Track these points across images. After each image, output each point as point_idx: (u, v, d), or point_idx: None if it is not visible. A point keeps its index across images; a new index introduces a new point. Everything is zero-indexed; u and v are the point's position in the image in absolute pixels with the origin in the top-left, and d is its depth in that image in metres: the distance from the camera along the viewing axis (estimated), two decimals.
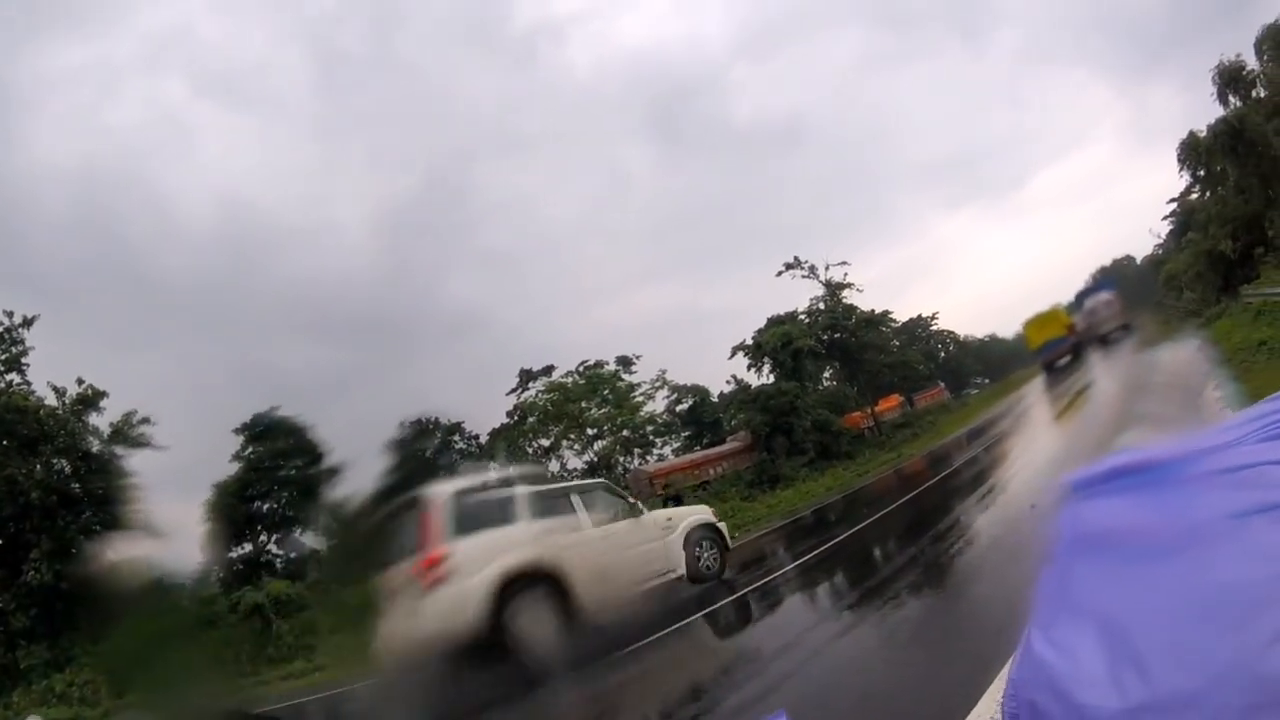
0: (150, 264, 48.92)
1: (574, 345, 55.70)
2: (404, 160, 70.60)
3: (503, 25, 78.03)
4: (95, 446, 26.60)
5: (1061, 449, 16.53)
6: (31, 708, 20.18)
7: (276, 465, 29.89)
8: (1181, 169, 36.00)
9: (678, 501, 23.49)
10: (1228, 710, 0.75)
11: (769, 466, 35.20)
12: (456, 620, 10.10)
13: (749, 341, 43.10)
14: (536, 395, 39.06)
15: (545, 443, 38.45)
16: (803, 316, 44.80)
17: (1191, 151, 34.69)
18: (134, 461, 27.18)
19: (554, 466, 38.57)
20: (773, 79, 78.98)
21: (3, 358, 26.35)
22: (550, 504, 12.32)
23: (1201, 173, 35.41)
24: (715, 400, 42.98)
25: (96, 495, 25.67)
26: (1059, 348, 37.24)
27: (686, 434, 41.76)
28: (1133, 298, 38.27)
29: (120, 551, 25.08)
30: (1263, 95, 31.60)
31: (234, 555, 29.53)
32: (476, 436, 38.63)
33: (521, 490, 12.08)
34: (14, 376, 26.40)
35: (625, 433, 38.60)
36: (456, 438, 38.19)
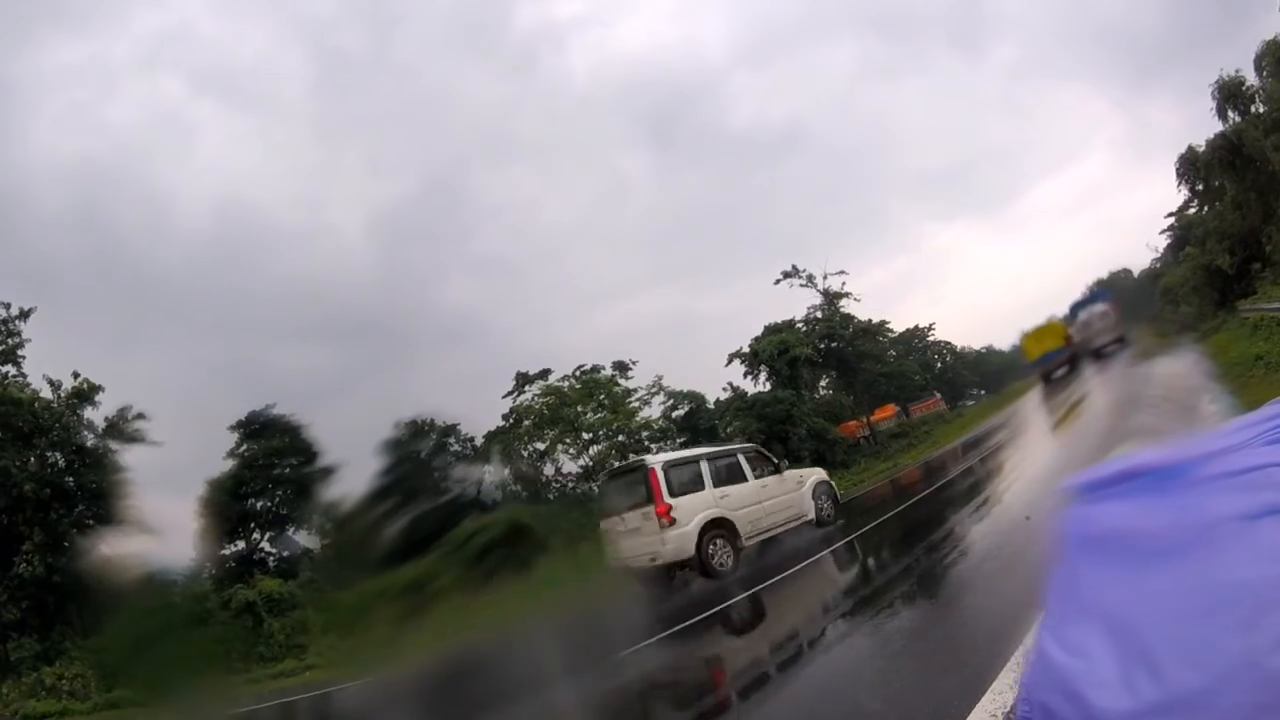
0: (146, 261, 48.95)
1: (571, 350, 55.90)
2: (402, 164, 70.75)
3: (502, 30, 78.31)
4: (90, 441, 26.57)
5: (1056, 462, 16.54)
6: (20, 700, 20.16)
7: (271, 463, 29.84)
8: (1180, 183, 36.11)
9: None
10: (1238, 709, 0.75)
11: None
12: (680, 550, 15.80)
13: (746, 349, 43.17)
14: (533, 399, 39.03)
15: (540, 446, 38.40)
16: (800, 325, 44.90)
17: (1190, 166, 34.77)
18: (128, 457, 27.19)
19: (548, 470, 38.63)
20: (771, 87, 79.30)
21: (0, 349, 26.34)
22: (723, 468, 17.62)
23: (1200, 187, 35.51)
24: (711, 407, 42.94)
25: (90, 489, 25.64)
26: (1056, 359, 37.29)
27: (682, 440, 41.69)
28: (1130, 311, 38.29)
29: (113, 547, 25.07)
30: (1262, 111, 31.64)
31: (227, 552, 29.48)
32: (472, 439, 38.55)
33: (705, 464, 17.28)
34: (9, 369, 26.40)
35: (621, 438, 38.55)
36: (452, 439, 38.12)
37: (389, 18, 74.70)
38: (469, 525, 25.91)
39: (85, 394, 26.60)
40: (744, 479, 17.62)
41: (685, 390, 42.41)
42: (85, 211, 51.35)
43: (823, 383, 46.54)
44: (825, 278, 46.25)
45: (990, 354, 55.98)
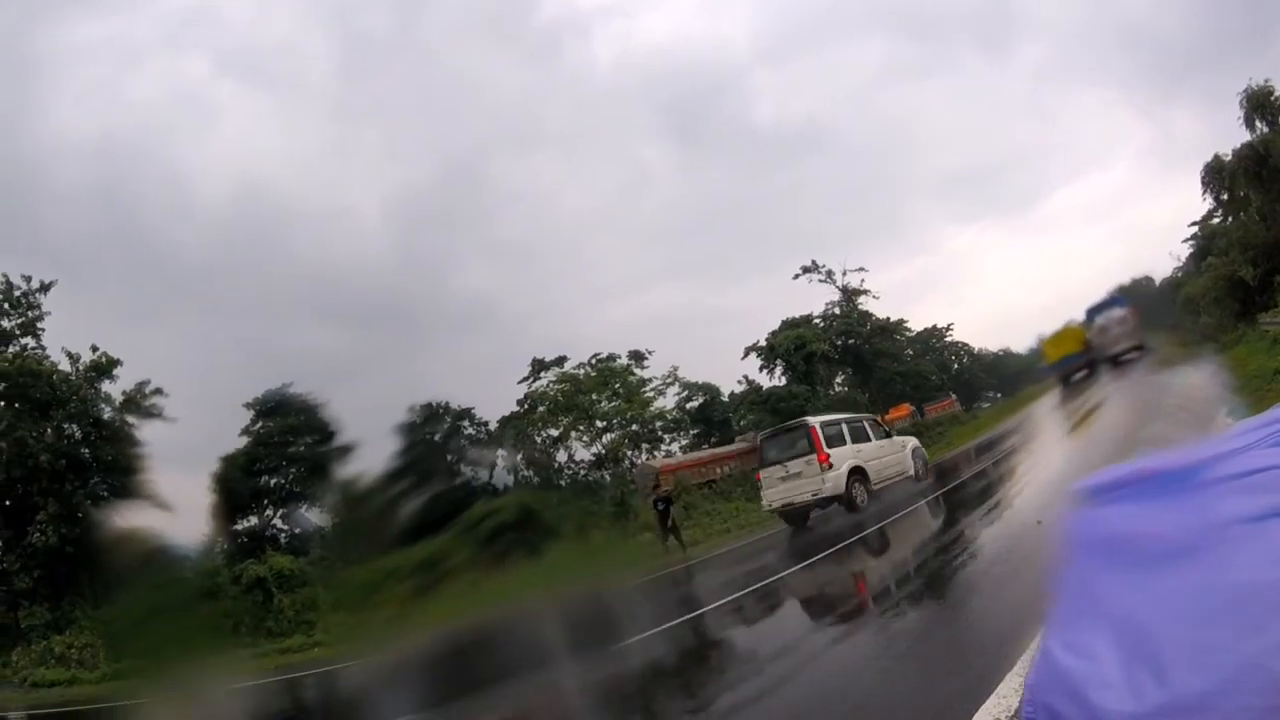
0: (165, 239, 49.12)
1: (586, 339, 55.92)
2: (422, 148, 70.55)
3: (527, 17, 78.07)
4: (107, 414, 26.77)
5: (1069, 467, 16.45)
6: (30, 667, 20.34)
7: (286, 441, 29.93)
8: (1205, 192, 35.69)
9: (668, 503, 24.30)
10: (1245, 712, 0.75)
11: None
12: (835, 487, 20.08)
13: (762, 343, 43.12)
14: (548, 385, 39.08)
15: (554, 433, 38.47)
16: (818, 321, 44.80)
17: (1216, 175, 34.39)
18: (144, 432, 27.39)
19: (561, 457, 38.70)
20: (794, 83, 78.82)
21: (19, 322, 26.54)
22: (857, 429, 21.93)
23: (1224, 197, 35.09)
24: (725, 399, 42.93)
25: (106, 462, 25.83)
26: (1075, 363, 36.98)
27: (695, 431, 41.71)
28: (1150, 319, 37.86)
29: (126, 520, 25.25)
30: None
31: (239, 528, 29.62)
32: (486, 423, 38.67)
33: (845, 425, 21.70)
34: (29, 341, 26.63)
35: (634, 427, 38.58)
36: (466, 423, 38.24)
37: (413, 1, 74.62)
38: (481, 508, 26.10)
39: (104, 368, 26.79)
40: (869, 439, 21.94)
41: (700, 382, 42.40)
42: (106, 188, 51.60)
43: (838, 379, 46.44)
44: (844, 274, 46.19)
45: (1007, 357, 55.63)
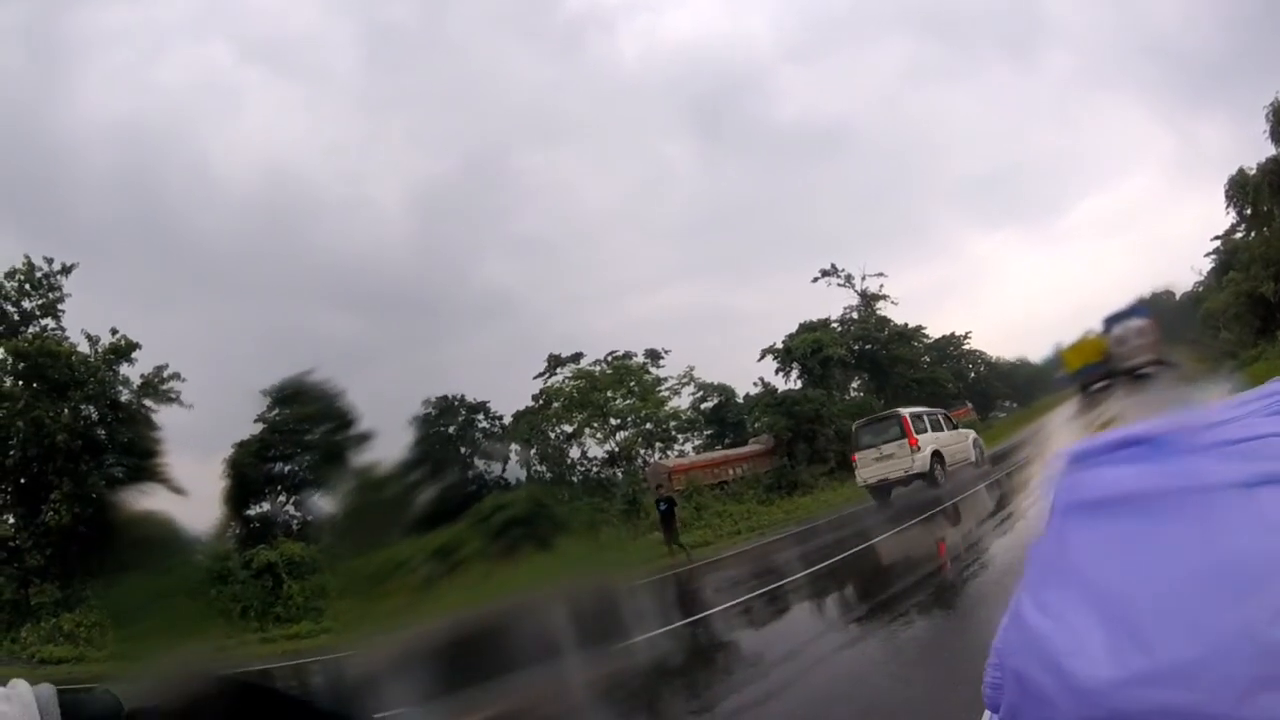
0: (187, 224, 49.21)
1: (603, 335, 55.63)
2: (445, 140, 70.47)
3: (552, 11, 77.93)
4: (124, 397, 26.92)
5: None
6: (38, 644, 20.48)
7: (302, 429, 29.99)
8: (1228, 206, 35.44)
9: (670, 503, 24.50)
10: (1232, 682, 0.72)
11: (789, 472, 34.96)
12: (922, 466, 24.70)
13: (779, 345, 42.95)
14: (563, 381, 39.07)
15: (568, 429, 38.46)
16: (835, 325, 44.63)
17: (1239, 189, 34.12)
18: (161, 416, 27.56)
19: (574, 453, 38.70)
20: (819, 83, 78.06)
21: (40, 303, 26.72)
22: (934, 421, 27.12)
23: (1248, 211, 34.82)
24: (740, 401, 42.75)
25: (122, 444, 25.98)
26: (1094, 373, 36.68)
27: (709, 432, 41.56)
28: (1170, 332, 37.43)
29: (140, 502, 25.41)
30: None
31: (251, 514, 29.74)
32: (500, 417, 38.74)
33: (926, 417, 26.74)
34: (49, 322, 26.80)
35: (648, 426, 38.51)
36: (480, 417, 38.32)
37: None
38: (493, 500, 26.18)
39: (122, 351, 26.94)
40: (943, 429, 27.24)
41: (715, 383, 42.26)
42: (129, 173, 51.54)
43: (854, 384, 46.21)
44: (863, 279, 45.97)
45: (1023, 366, 55.18)
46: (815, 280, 45.65)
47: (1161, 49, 67.02)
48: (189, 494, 27.13)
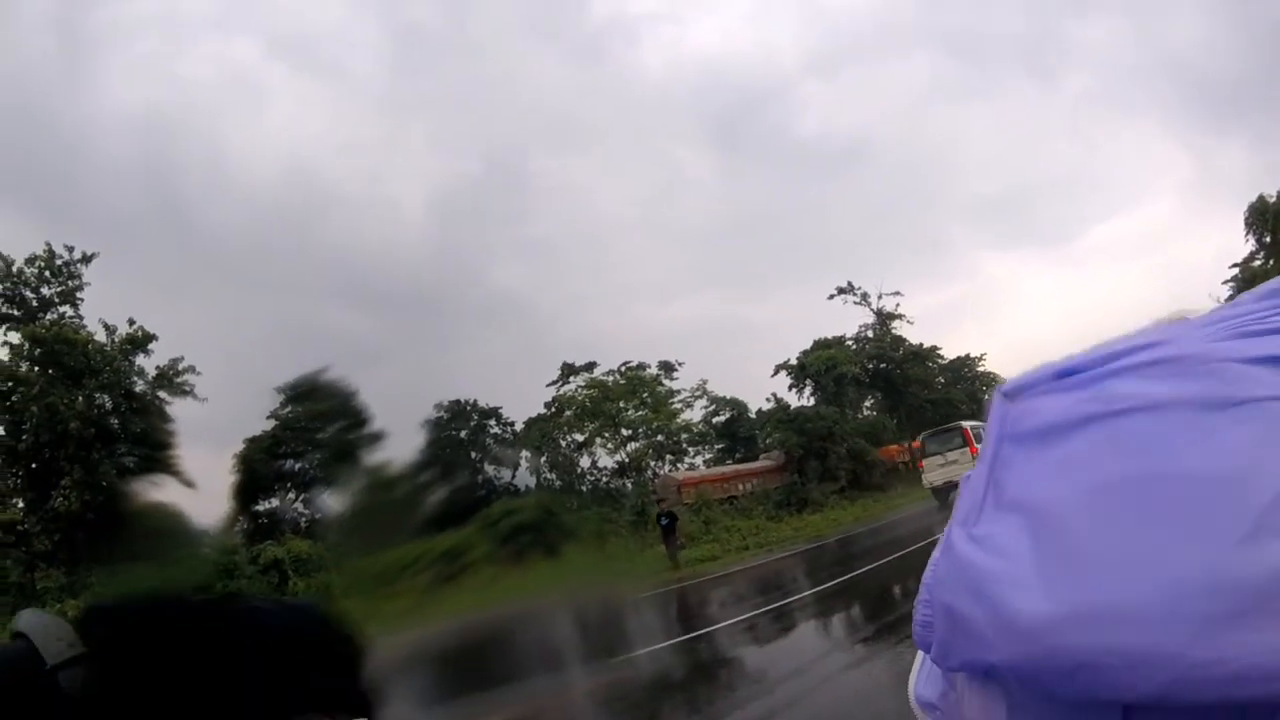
0: (204, 217, 49.49)
1: (615, 345, 55.63)
2: (463, 143, 70.86)
3: (577, 17, 78.13)
4: (139, 387, 26.97)
5: None
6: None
7: (314, 426, 29.99)
8: (1248, 233, 35.34)
9: (672, 519, 24.64)
10: (1183, 620, 0.63)
11: (799, 489, 34.74)
12: None
13: (793, 361, 42.88)
14: (576, 390, 39.02)
15: (579, 438, 38.39)
16: (850, 343, 44.55)
17: (1259, 216, 34.02)
18: (174, 409, 27.64)
19: (585, 462, 38.64)
20: (840, 98, 78.04)
21: (59, 290, 26.82)
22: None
23: (1267, 239, 34.70)
24: (753, 416, 42.67)
25: (134, 434, 26.03)
26: None
27: (720, 446, 41.46)
28: None
29: (150, 493, 25.46)
30: None
31: (259, 510, 29.72)
32: (512, 423, 38.73)
33: (984, 430, 27.73)
34: (67, 309, 26.88)
35: (660, 438, 38.39)
36: (492, 422, 38.31)
37: None
38: (502, 506, 26.22)
39: (139, 341, 27.02)
40: None
41: (728, 397, 42.17)
42: (149, 163, 52.04)
43: (867, 403, 46.14)
44: (880, 298, 45.95)
45: None
46: (831, 298, 45.76)
47: (1181, 73, 66.84)
48: (199, 487, 27.20)
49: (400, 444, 33.25)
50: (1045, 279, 71.69)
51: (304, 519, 29.98)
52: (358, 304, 53.30)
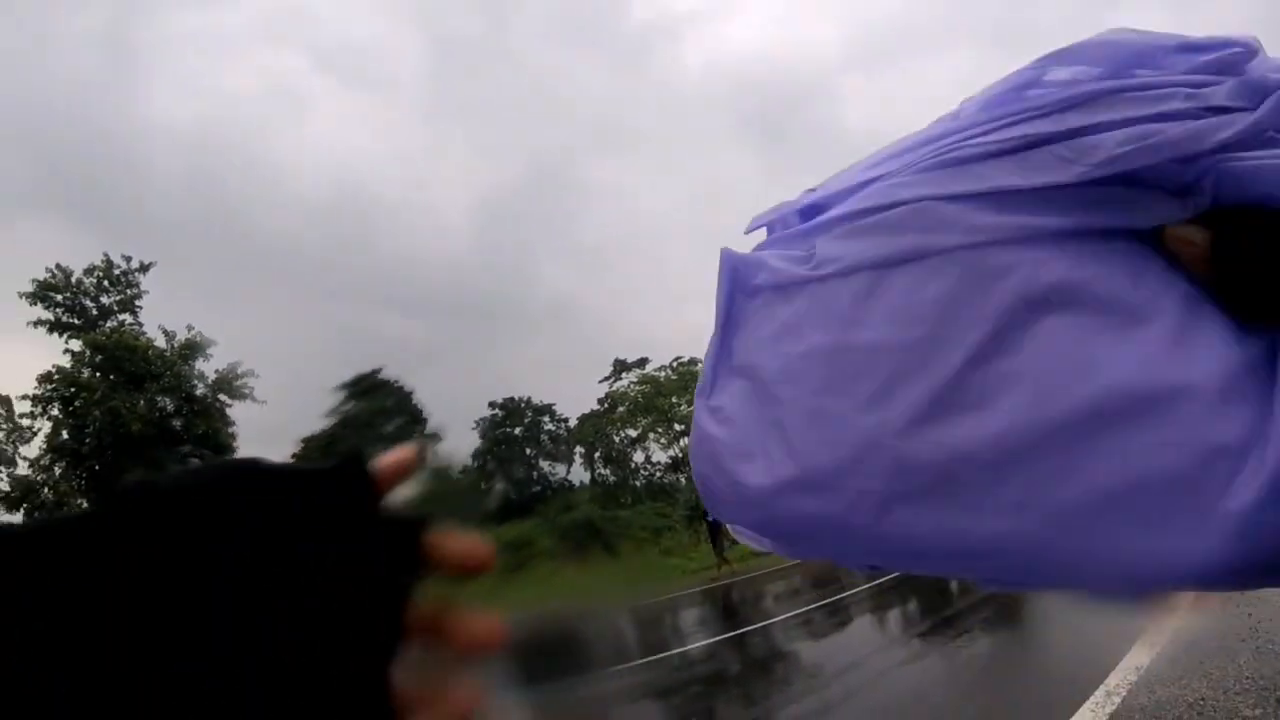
0: (256, 226, 50.29)
1: (664, 343, 55.84)
2: (508, 149, 71.39)
3: (618, 21, 78.40)
4: (199, 390, 27.39)
5: None
6: None
7: (373, 423, 30.27)
8: None
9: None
10: (866, 495, 0.59)
11: None
12: None
13: None
14: (629, 386, 39.05)
15: (633, 433, 38.40)
16: None
17: None
18: (233, 411, 28.08)
19: (639, 457, 38.65)
20: (883, 92, 77.73)
21: (118, 299, 27.32)
22: None
23: None
24: None
25: (196, 435, 26.42)
26: None
27: None
28: None
29: None
30: None
31: None
32: (565, 420, 38.85)
33: None
34: (126, 317, 27.40)
35: None
36: (546, 419, 38.46)
37: (507, 3, 75.55)
38: (559, 502, 26.34)
39: (198, 346, 27.46)
40: None
41: None
42: (201, 175, 53.11)
43: None
44: None
45: None
46: None
47: None
48: None
49: (456, 442, 33.57)
50: None
51: None
52: (408, 308, 53.82)
